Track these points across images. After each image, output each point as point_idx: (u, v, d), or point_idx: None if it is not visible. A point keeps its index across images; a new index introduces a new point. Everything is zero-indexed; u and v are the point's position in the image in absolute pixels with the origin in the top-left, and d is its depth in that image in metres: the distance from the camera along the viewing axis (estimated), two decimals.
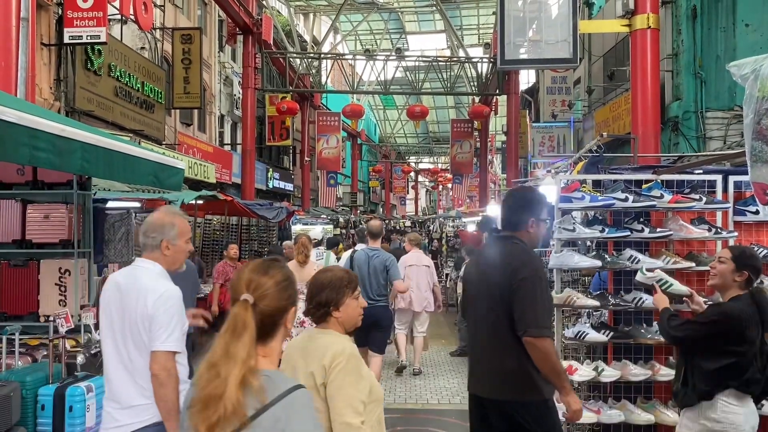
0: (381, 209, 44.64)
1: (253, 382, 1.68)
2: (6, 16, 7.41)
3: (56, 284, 5.53)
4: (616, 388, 4.34)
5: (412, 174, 52.44)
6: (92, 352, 5.08)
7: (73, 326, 4.80)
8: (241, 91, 19.72)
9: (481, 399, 3.20)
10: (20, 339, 4.73)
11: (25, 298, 5.55)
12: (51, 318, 4.70)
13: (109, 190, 7.93)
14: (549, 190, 4.68)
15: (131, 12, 12.23)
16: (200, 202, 10.17)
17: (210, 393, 1.66)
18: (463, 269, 10.38)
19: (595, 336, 4.12)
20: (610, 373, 4.11)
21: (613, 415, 4.09)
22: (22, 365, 4.65)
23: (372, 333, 6.79)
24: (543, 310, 3.00)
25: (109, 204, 7.18)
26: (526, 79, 26.04)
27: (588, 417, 4.02)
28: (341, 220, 21.43)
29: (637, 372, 4.08)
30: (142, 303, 2.90)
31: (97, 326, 5.35)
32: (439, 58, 22.97)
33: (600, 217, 4.32)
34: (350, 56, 28.48)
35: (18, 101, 4.99)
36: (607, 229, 4.13)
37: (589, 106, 17.61)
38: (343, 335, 2.62)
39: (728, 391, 3.21)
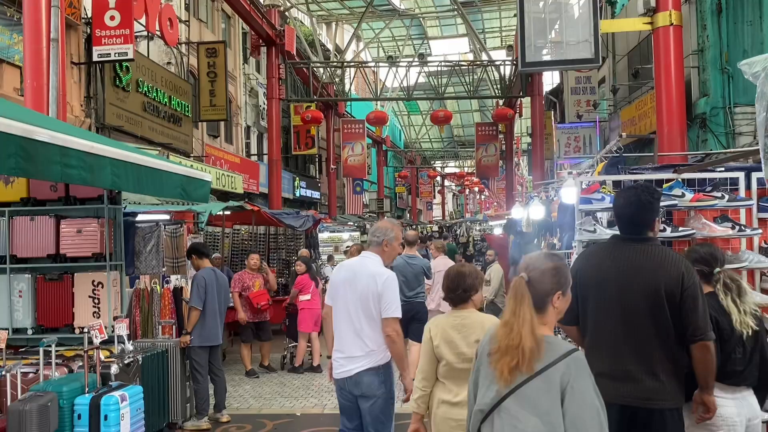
0: (408, 215, 44.65)
1: (540, 337, 2.18)
2: (36, 38, 7.67)
3: (90, 296, 5.68)
4: None
5: (439, 178, 52.38)
6: (125, 362, 5.21)
7: (106, 337, 4.92)
8: (266, 102, 19.99)
9: (628, 409, 3.02)
10: (56, 350, 4.87)
11: (61, 311, 5.71)
12: (85, 330, 4.83)
13: (140, 203, 8.12)
14: (569, 191, 4.67)
15: (157, 28, 12.53)
16: (227, 212, 10.33)
17: (509, 344, 2.18)
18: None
19: None
20: None
21: None
22: (59, 376, 4.78)
23: (412, 324, 7.54)
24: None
25: (139, 217, 7.33)
26: (550, 80, 25.93)
27: None
28: (368, 226, 21.50)
29: None
30: (373, 283, 3.90)
31: (129, 337, 5.51)
32: (462, 62, 22.96)
33: None
34: (373, 63, 28.62)
35: (49, 120, 5.17)
36: None
37: (614, 105, 17.44)
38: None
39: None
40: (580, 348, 3.02)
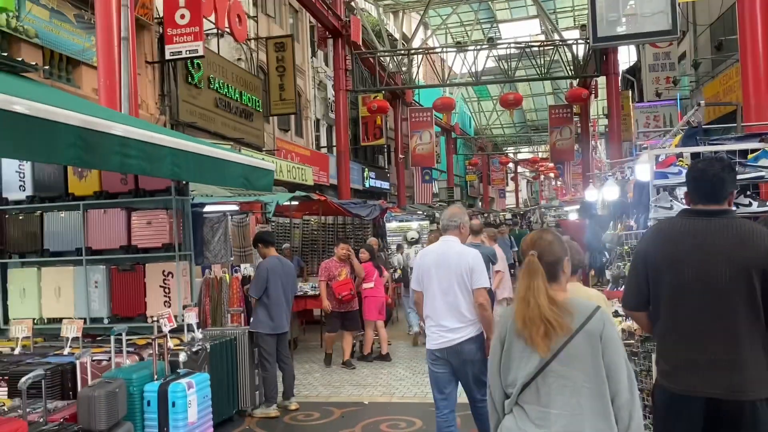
0: (479, 203, 44.02)
1: (562, 305, 2.34)
2: (108, 38, 7.90)
3: (161, 286, 5.80)
4: None
5: (511, 165, 51.32)
6: (194, 350, 5.29)
7: (175, 326, 5.01)
8: (334, 94, 20.10)
9: (714, 401, 2.76)
10: (129, 339, 5.00)
11: (134, 301, 5.86)
12: (155, 318, 4.93)
13: (212, 195, 8.28)
14: (644, 167, 4.37)
15: (226, 25, 12.75)
16: (295, 203, 10.40)
17: (530, 315, 2.33)
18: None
19: None
20: None
21: None
22: (130, 363, 4.91)
23: None
24: None
25: (206, 208, 7.45)
26: (627, 58, 24.83)
27: None
28: (437, 215, 21.28)
29: None
30: (464, 260, 4.32)
31: (199, 325, 5.60)
32: (532, 43, 22.27)
33: None
34: (439, 49, 28.21)
35: (112, 113, 5.28)
36: None
37: (696, 81, 16.50)
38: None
39: None
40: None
